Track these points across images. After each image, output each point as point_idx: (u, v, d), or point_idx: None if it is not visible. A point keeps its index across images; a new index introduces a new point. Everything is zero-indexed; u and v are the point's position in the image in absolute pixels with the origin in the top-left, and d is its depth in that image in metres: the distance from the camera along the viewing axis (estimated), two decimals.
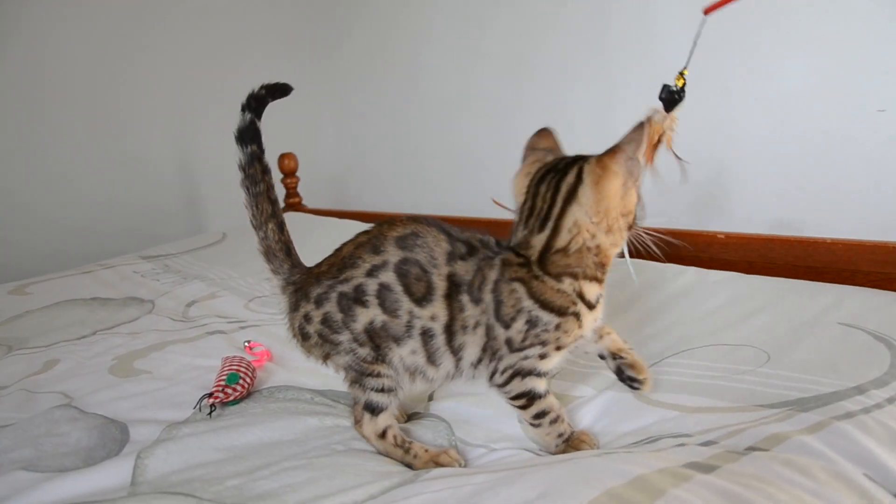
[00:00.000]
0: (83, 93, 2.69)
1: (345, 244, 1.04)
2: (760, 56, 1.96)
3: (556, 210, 0.94)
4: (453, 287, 0.96)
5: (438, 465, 0.99)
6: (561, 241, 0.94)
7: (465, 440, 1.08)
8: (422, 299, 0.96)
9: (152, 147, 2.89)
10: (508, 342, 0.96)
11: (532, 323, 0.95)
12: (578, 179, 0.93)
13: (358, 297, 0.98)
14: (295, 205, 2.78)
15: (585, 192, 0.92)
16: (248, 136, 1.11)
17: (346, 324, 0.99)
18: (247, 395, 1.21)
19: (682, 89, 1.09)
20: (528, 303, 0.94)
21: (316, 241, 2.24)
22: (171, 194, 2.96)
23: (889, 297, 1.36)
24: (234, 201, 3.18)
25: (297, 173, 2.82)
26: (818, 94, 1.85)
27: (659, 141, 1.07)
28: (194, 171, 3.02)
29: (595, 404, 1.13)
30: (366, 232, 1.02)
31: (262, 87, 1.13)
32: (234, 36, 3.09)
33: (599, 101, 2.36)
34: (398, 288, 0.96)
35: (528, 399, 1.00)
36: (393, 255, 0.97)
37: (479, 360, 0.99)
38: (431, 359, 0.99)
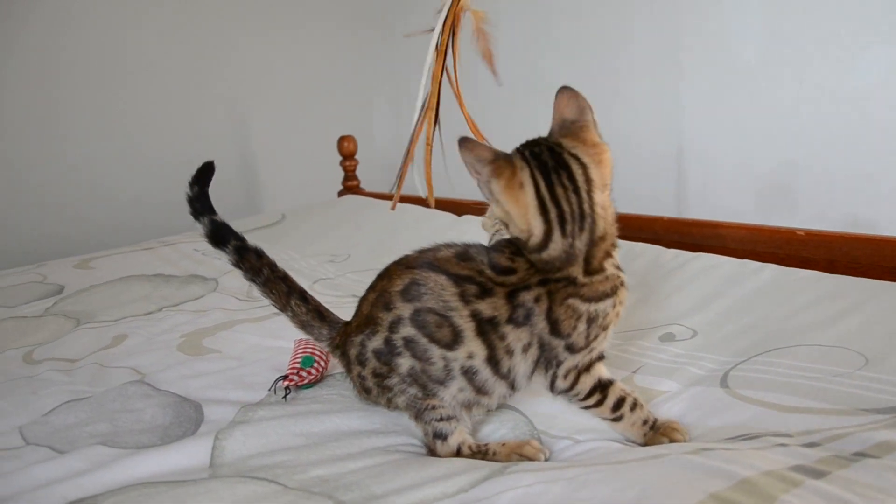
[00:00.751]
0: (154, 68, 2.71)
1: (362, 300, 1.03)
2: (837, 46, 1.88)
3: (586, 205, 0.90)
4: (482, 324, 0.92)
5: (522, 456, 0.95)
6: (599, 230, 0.91)
7: (547, 432, 1.04)
8: (451, 343, 0.92)
9: (209, 124, 2.90)
10: (570, 347, 0.93)
11: (592, 319, 0.92)
12: (583, 165, 0.90)
13: (391, 350, 0.95)
14: (353, 188, 2.75)
15: (594, 172, 0.90)
16: (220, 236, 1.11)
17: (392, 371, 0.96)
18: (320, 378, 1.19)
19: None
20: (584, 307, 0.91)
21: (373, 225, 2.24)
22: (228, 173, 2.96)
23: None
24: (289, 182, 3.19)
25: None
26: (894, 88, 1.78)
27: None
28: (250, 151, 3.02)
29: (682, 399, 1.08)
30: (372, 288, 1.01)
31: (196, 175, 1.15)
32: (291, 15, 3.08)
33: (666, 85, 2.30)
34: (422, 339, 0.93)
35: (600, 392, 0.96)
36: (404, 309, 0.94)
37: (533, 372, 0.96)
38: (482, 390, 0.96)
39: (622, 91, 2.42)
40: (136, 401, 1.14)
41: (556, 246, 0.90)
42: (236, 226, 2.45)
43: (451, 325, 0.92)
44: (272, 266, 1.10)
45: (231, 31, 2.92)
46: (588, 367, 0.95)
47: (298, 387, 1.15)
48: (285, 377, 1.14)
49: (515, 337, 0.92)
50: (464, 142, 0.91)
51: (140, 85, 2.74)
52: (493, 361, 0.93)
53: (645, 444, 0.96)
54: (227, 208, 2.91)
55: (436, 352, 0.93)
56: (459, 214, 2.15)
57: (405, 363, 0.95)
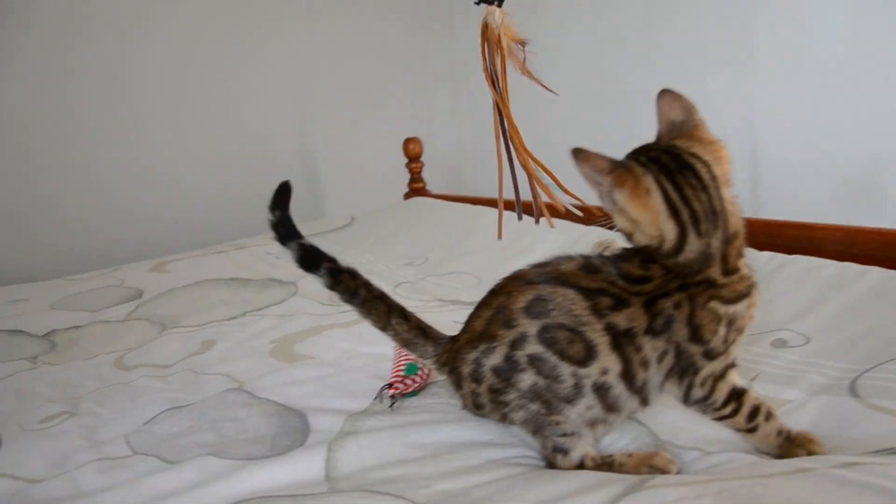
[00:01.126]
0: (219, 69, 2.71)
1: (473, 316, 0.98)
2: None
3: (716, 202, 0.86)
4: (618, 337, 0.87)
5: (652, 467, 0.90)
6: (732, 227, 0.87)
7: (672, 443, 0.99)
8: (584, 359, 0.88)
9: (274, 125, 2.89)
10: (708, 353, 0.88)
11: (731, 321, 0.88)
12: (705, 163, 0.87)
13: (512, 367, 0.91)
14: (419, 190, 2.73)
15: (717, 169, 0.87)
16: (311, 260, 1.05)
17: (511, 387, 0.92)
18: (423, 387, 1.15)
19: None
20: (723, 309, 0.87)
21: (447, 227, 2.21)
22: (292, 175, 2.95)
23: None
24: (352, 185, 3.17)
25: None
26: None
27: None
28: (314, 153, 3.01)
29: (809, 409, 1.02)
30: (485, 304, 0.96)
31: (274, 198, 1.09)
32: (350, 13, 3.06)
33: (739, 84, 2.22)
34: (551, 357, 0.88)
35: (735, 401, 0.90)
36: (529, 326, 0.89)
37: (664, 384, 0.91)
38: (612, 407, 0.91)
39: (694, 91, 2.35)
40: (237, 409, 1.12)
41: (693, 248, 0.86)
42: (304, 230, 2.45)
43: (583, 341, 0.87)
44: (368, 286, 1.05)
45: (293, 30, 2.91)
46: (723, 375, 0.90)
47: (403, 395, 1.12)
48: (390, 385, 1.11)
49: (652, 347, 0.87)
50: (578, 153, 0.87)
51: (207, 86, 2.74)
52: (627, 376, 0.88)
53: (779, 457, 0.91)
54: (294, 212, 2.92)
55: (566, 369, 0.88)
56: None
57: (527, 380, 0.90)
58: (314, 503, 0.84)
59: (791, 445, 0.91)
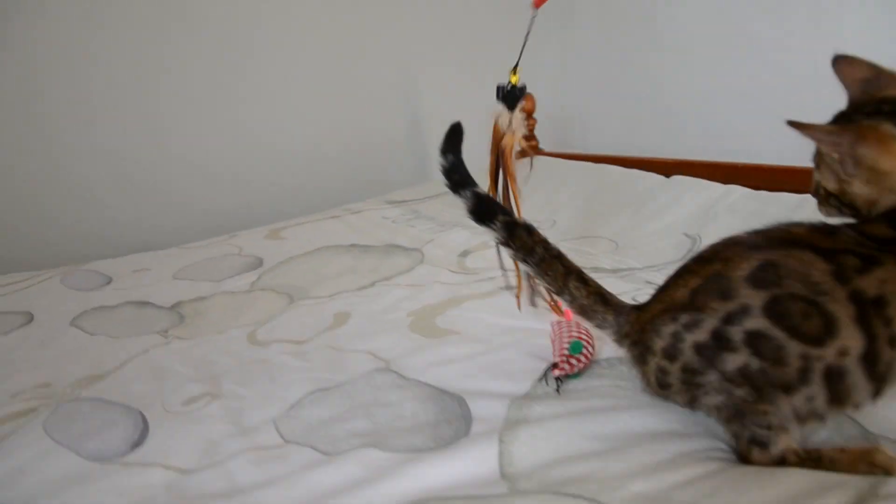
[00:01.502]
0: (316, 34, 2.62)
1: (671, 283, 0.86)
2: None
3: None
4: (864, 307, 0.73)
5: (873, 465, 0.76)
6: None
7: (885, 436, 0.85)
8: (821, 337, 0.74)
9: (379, 87, 2.79)
10: None
11: None
12: None
13: (720, 345, 0.77)
14: (534, 148, 2.59)
15: None
16: (485, 210, 0.96)
17: (712, 366, 0.79)
18: (588, 366, 1.04)
19: (516, 87, 1.08)
20: None
21: (571, 188, 2.07)
22: (397, 138, 2.86)
23: None
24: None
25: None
26: None
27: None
28: (419, 114, 2.90)
29: None
30: (691, 272, 0.83)
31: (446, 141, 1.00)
32: None
33: (883, 29, 1.97)
34: (779, 334, 0.74)
35: None
36: (753, 298, 0.75)
37: None
38: (839, 399, 0.76)
39: (829, 34, 2.11)
40: (388, 392, 1.03)
41: None
42: (413, 193, 2.36)
43: (821, 314, 0.74)
44: (545, 244, 0.95)
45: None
46: None
47: (568, 377, 1.01)
48: (555, 365, 1.00)
49: None
50: (800, 126, 0.74)
51: (308, 49, 2.65)
52: (869, 358, 0.74)
53: None
54: (396, 176, 2.84)
55: (795, 349, 0.75)
56: (667, 175, 1.95)
57: (737, 361, 0.77)
58: None
59: None
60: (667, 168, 1.97)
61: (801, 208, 1.47)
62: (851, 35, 1.91)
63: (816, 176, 0.86)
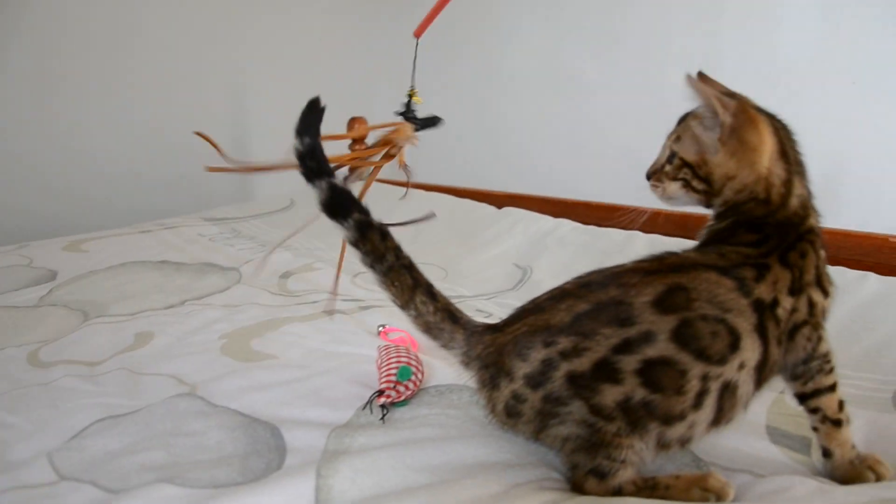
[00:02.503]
0: (151, 38, 2.43)
1: (546, 306, 0.80)
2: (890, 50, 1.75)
3: (801, 154, 0.85)
4: (763, 310, 0.76)
5: (706, 490, 0.75)
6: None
7: (715, 463, 0.85)
8: (725, 355, 0.74)
9: (208, 101, 2.63)
10: (824, 311, 0.81)
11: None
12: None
13: (602, 375, 0.74)
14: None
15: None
16: (340, 205, 0.84)
17: (581, 397, 0.75)
18: (415, 394, 0.98)
19: (410, 108, 1.10)
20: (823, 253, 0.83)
21: (402, 213, 2.01)
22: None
23: None
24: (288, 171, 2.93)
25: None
26: None
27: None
28: (246, 132, 2.77)
29: (858, 426, 0.90)
30: (574, 296, 0.79)
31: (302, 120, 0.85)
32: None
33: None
34: (685, 358, 0.73)
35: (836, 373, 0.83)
36: (659, 323, 0.73)
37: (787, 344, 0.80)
38: (718, 419, 0.76)
39: (655, 87, 2.24)
40: (190, 420, 0.91)
41: (798, 192, 0.82)
42: (239, 211, 2.22)
43: (728, 330, 0.74)
44: (397, 251, 0.85)
45: (231, 11, 2.66)
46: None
47: (393, 404, 0.94)
48: (381, 392, 0.92)
49: (791, 307, 0.77)
50: (702, 76, 0.85)
51: (135, 53, 2.45)
52: (761, 366, 0.76)
53: (846, 478, 0.81)
54: (220, 193, 2.67)
55: (697, 370, 0.73)
56: (498, 206, 1.96)
57: (618, 392, 0.73)
58: None
59: (861, 466, 0.81)
60: (499, 200, 1.99)
61: (629, 244, 1.51)
62: (675, 86, 2.02)
63: (675, 147, 0.86)
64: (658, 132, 0.91)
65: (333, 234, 1.88)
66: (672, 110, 0.89)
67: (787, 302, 0.77)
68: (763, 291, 0.76)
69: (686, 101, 0.85)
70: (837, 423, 0.81)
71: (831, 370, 0.81)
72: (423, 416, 0.93)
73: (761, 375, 0.77)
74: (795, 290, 0.77)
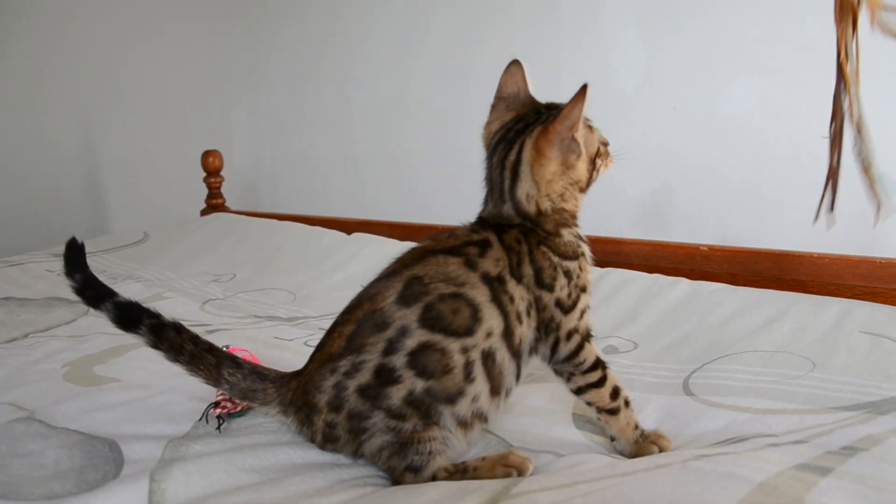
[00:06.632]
0: None
1: (325, 342, 0.91)
2: (708, 79, 1.98)
3: (506, 185, 0.93)
4: (492, 283, 0.87)
5: (508, 466, 0.86)
6: (530, 209, 0.92)
7: (524, 447, 0.96)
8: (471, 325, 0.85)
9: (53, 133, 2.59)
10: (559, 304, 0.91)
11: (568, 275, 0.92)
12: (518, 158, 0.92)
13: (384, 380, 0.84)
14: (218, 206, 2.55)
15: (525, 170, 0.92)
16: (130, 318, 0.93)
17: (377, 406, 0.85)
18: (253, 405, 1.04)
19: None
20: (556, 259, 0.91)
21: (253, 244, 2.07)
22: (74, 189, 2.66)
23: (892, 310, 1.34)
24: (142, 200, 2.92)
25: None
26: (762, 117, 1.89)
27: None
28: (97, 164, 2.74)
29: (651, 409, 1.05)
30: (342, 323, 0.90)
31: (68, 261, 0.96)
32: (145, 13, 2.84)
33: None
34: (437, 338, 0.84)
35: (602, 369, 0.93)
36: (408, 315, 0.85)
37: (534, 347, 0.92)
38: (496, 388, 0.88)
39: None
40: (27, 442, 0.94)
41: (489, 206, 0.96)
42: (91, 246, 2.20)
43: (467, 303, 0.85)
44: (195, 339, 0.93)
45: (77, 24, 2.63)
46: (588, 338, 0.93)
47: (231, 415, 1.00)
48: (216, 404, 0.98)
49: (520, 296, 0.88)
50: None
51: None
52: (507, 334, 0.87)
53: (634, 454, 0.92)
54: (72, 228, 2.63)
55: (454, 346, 0.84)
56: (348, 233, 2.04)
57: (402, 390, 0.83)
58: None
59: (645, 442, 0.93)
60: (349, 227, 2.07)
61: None
62: None
63: None
64: None
65: (185, 265, 1.91)
66: None
67: (513, 287, 0.88)
68: (487, 265, 0.87)
69: None
70: (613, 412, 0.93)
71: (588, 370, 0.92)
72: (259, 424, 1.00)
73: (513, 344, 0.88)
74: (518, 278, 0.88)
